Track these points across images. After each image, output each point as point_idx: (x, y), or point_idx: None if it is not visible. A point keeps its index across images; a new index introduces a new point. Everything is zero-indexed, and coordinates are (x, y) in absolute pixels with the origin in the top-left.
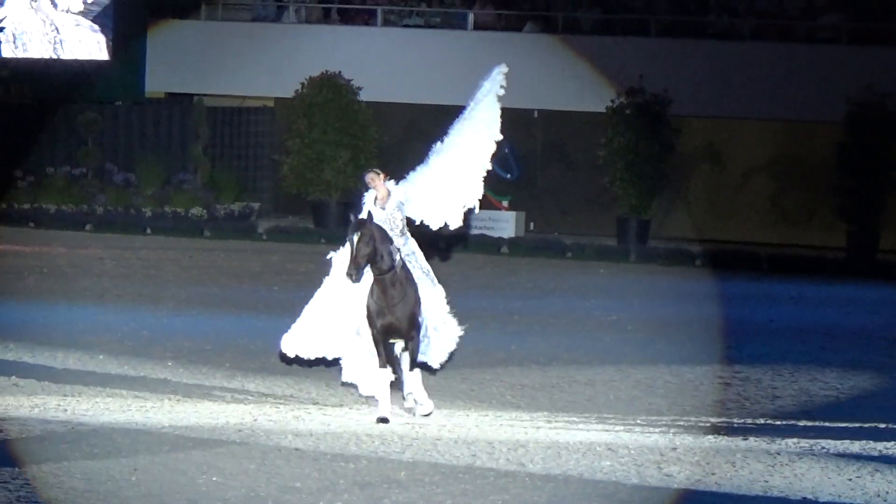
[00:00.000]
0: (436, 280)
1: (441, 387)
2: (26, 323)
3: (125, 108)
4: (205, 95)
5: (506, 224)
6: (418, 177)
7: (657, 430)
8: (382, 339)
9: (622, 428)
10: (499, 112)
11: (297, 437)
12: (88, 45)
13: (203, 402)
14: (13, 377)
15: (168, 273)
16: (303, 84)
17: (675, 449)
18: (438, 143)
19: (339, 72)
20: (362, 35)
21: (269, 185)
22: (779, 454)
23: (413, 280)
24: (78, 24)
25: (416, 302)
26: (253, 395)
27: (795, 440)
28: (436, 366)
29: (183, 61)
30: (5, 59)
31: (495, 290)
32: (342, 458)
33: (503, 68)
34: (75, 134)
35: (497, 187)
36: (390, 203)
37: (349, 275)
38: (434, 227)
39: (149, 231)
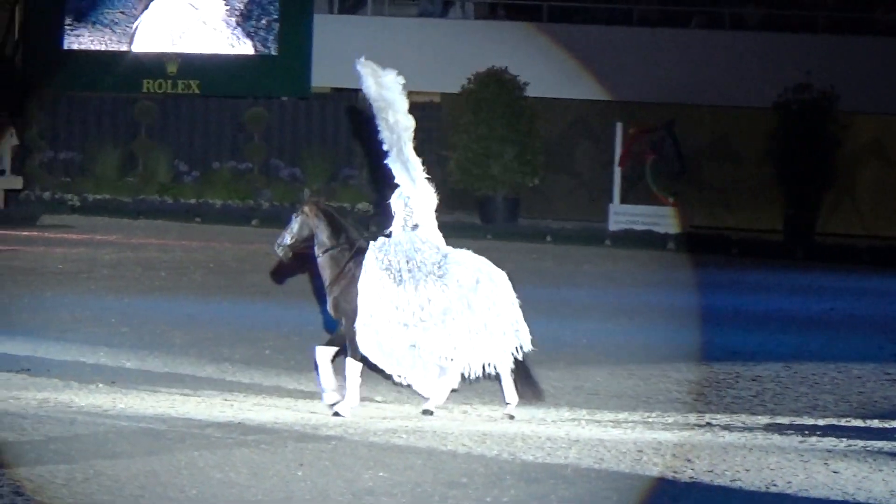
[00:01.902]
0: (421, 284)
1: (608, 383)
2: (192, 318)
3: (291, 102)
4: None
5: (672, 220)
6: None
7: (823, 426)
8: None
9: (788, 425)
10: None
11: (464, 434)
12: (255, 39)
13: (371, 399)
14: (179, 372)
15: None
16: (469, 79)
17: (841, 445)
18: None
19: (506, 67)
20: (528, 31)
21: (434, 180)
22: None
23: (358, 272)
24: (245, 19)
25: (348, 293)
26: (420, 393)
27: None
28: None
29: (349, 56)
30: (172, 53)
31: (661, 286)
32: (508, 455)
33: (361, 62)
34: (241, 129)
35: (663, 182)
36: (395, 194)
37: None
38: None
39: None
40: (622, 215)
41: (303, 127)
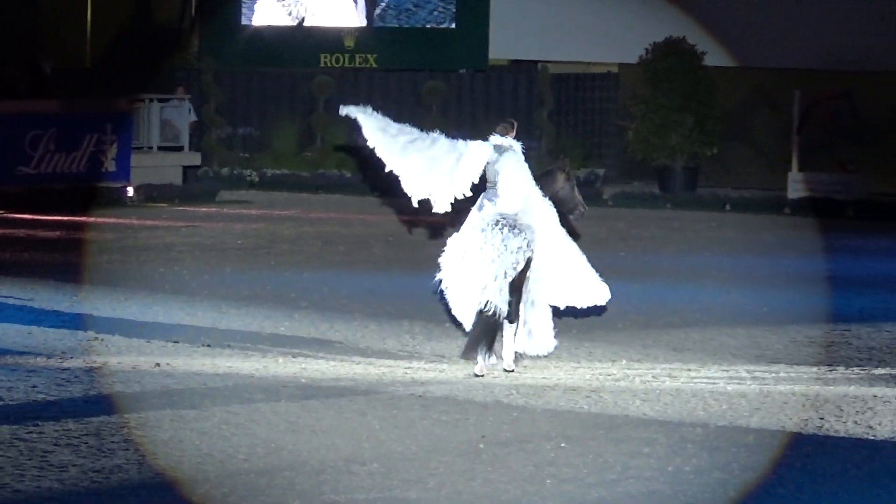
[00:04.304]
0: None
1: (788, 350)
2: (372, 292)
3: (469, 75)
4: (548, 62)
5: (851, 187)
6: None
7: None
8: None
9: None
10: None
11: (645, 402)
12: (432, 12)
13: (548, 368)
14: (360, 346)
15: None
16: (647, 49)
17: None
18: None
19: (683, 37)
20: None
21: (614, 151)
22: None
23: None
24: None
25: None
26: (599, 360)
27: None
28: None
29: (526, 28)
30: (349, 27)
31: (840, 253)
32: (689, 423)
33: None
34: (419, 102)
35: (842, 149)
36: None
37: None
38: None
39: None
40: (801, 183)
41: (481, 99)
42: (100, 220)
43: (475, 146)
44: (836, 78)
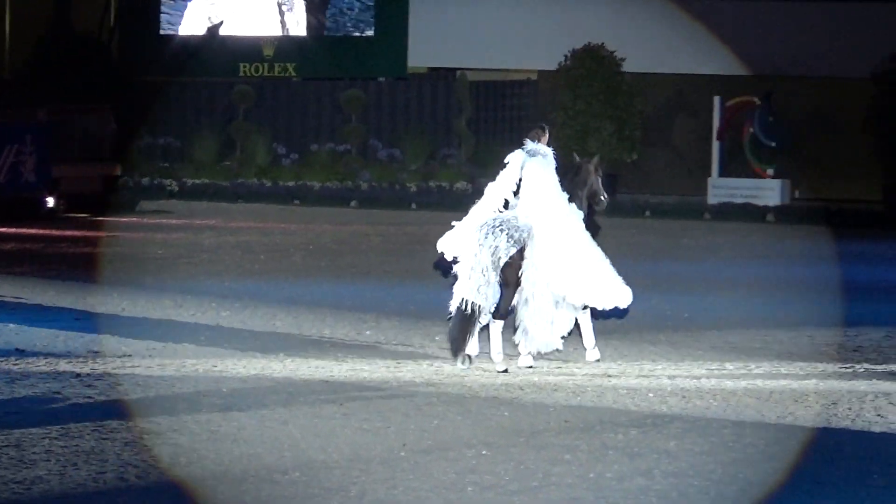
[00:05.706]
0: None
1: (708, 356)
2: (293, 300)
3: (388, 83)
4: (467, 69)
5: (771, 192)
6: None
7: None
8: None
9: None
10: None
11: (565, 408)
12: (351, 20)
13: (468, 375)
14: (280, 355)
15: (434, 248)
16: (566, 56)
17: None
18: None
19: (602, 43)
20: (624, 5)
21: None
22: None
23: None
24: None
25: None
26: (519, 366)
27: None
28: None
29: (445, 36)
30: (268, 37)
31: (761, 258)
32: (610, 429)
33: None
34: (339, 110)
35: (761, 155)
36: None
37: None
38: None
39: (414, 206)
40: (721, 188)
41: (400, 107)
42: (20, 231)
43: (510, 157)
44: (755, 83)
